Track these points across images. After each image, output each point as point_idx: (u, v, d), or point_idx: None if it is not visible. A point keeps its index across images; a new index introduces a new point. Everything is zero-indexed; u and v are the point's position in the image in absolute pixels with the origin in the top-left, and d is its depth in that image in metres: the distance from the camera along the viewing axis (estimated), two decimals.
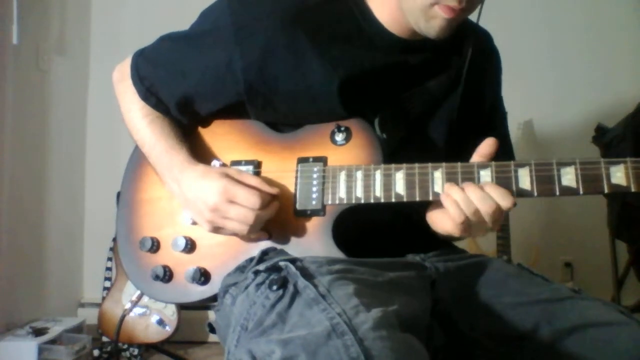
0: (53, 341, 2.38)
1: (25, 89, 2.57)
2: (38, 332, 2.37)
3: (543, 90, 2.80)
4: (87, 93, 2.99)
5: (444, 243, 1.12)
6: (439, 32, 0.97)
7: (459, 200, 0.90)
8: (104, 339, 2.52)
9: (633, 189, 0.85)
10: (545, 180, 0.89)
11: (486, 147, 0.94)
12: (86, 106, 2.99)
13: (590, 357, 0.87)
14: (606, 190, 0.86)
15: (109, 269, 2.65)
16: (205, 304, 1.10)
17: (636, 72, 2.79)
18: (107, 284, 2.61)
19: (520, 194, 0.90)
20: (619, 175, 0.86)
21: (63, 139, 2.82)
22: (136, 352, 2.49)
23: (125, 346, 2.48)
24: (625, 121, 2.37)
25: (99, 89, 2.95)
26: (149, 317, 2.42)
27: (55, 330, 2.43)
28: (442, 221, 0.97)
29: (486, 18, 1.09)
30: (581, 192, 0.87)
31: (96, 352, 2.53)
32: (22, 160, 2.55)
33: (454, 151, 1.05)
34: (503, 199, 0.89)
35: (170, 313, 2.43)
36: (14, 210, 2.47)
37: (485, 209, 0.89)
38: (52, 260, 2.73)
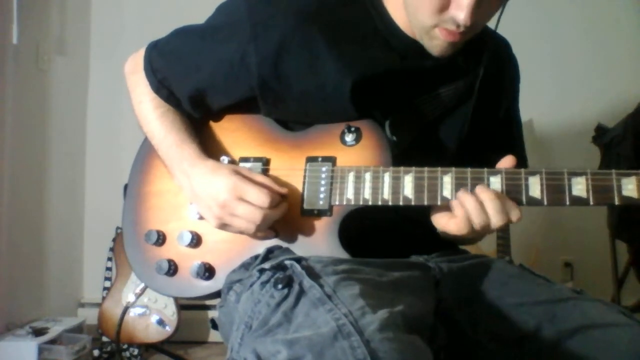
0: (53, 341, 2.38)
1: (25, 89, 2.57)
2: (38, 332, 2.37)
3: (543, 90, 2.80)
4: (87, 93, 2.99)
5: (446, 244, 1.12)
6: (441, 52, 0.98)
7: (471, 210, 0.90)
8: (104, 339, 2.53)
9: None
10: (556, 189, 0.88)
11: (505, 164, 0.93)
12: (86, 106, 2.98)
13: (592, 357, 0.87)
14: (617, 202, 0.85)
15: (109, 269, 2.65)
16: (208, 300, 1.10)
17: (636, 72, 2.79)
18: (107, 284, 2.62)
19: (530, 202, 0.89)
20: (630, 187, 0.85)
21: (63, 138, 2.82)
22: (136, 352, 2.49)
23: (125, 346, 2.48)
24: (625, 121, 2.37)
25: (99, 89, 2.95)
26: (149, 317, 2.42)
27: (55, 330, 2.43)
28: (445, 223, 0.96)
29: None
30: (591, 202, 0.86)
31: (96, 352, 2.53)
32: (22, 160, 2.54)
33: (466, 158, 1.05)
34: (513, 213, 0.90)
35: (170, 313, 2.43)
36: (14, 210, 2.47)
37: (495, 222, 0.90)
38: (52, 260, 2.73)
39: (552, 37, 2.86)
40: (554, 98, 2.84)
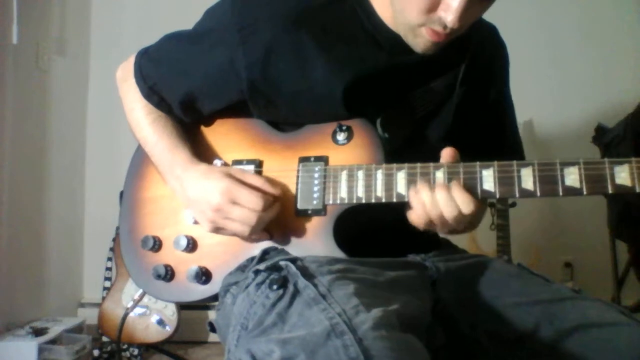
0: (53, 341, 2.37)
1: (25, 89, 2.57)
2: (38, 332, 2.37)
3: (543, 90, 2.80)
4: (87, 93, 2.99)
5: (444, 243, 1.11)
6: (424, 50, 0.98)
7: (425, 201, 0.91)
8: (104, 339, 2.52)
9: (638, 190, 0.84)
10: (549, 180, 0.88)
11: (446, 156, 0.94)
12: (86, 106, 2.99)
13: (591, 357, 0.86)
14: (610, 191, 0.85)
15: (109, 269, 2.65)
16: (206, 303, 1.10)
17: (636, 72, 2.79)
18: (107, 284, 2.62)
19: (523, 194, 0.89)
20: (623, 175, 0.84)
21: (63, 139, 2.82)
22: (136, 352, 2.49)
23: (125, 346, 2.48)
24: (625, 121, 2.36)
25: (99, 89, 2.95)
26: (149, 317, 2.42)
27: (55, 330, 2.43)
28: (408, 213, 0.96)
29: (485, 17, 1.08)
30: (585, 192, 0.86)
31: (96, 352, 2.53)
32: (22, 160, 2.55)
33: (459, 149, 1.04)
34: (465, 206, 0.89)
35: (170, 313, 2.43)
36: (14, 210, 2.47)
37: (448, 213, 0.90)
38: (52, 260, 2.73)
39: (552, 37, 2.86)
40: (554, 98, 2.84)
